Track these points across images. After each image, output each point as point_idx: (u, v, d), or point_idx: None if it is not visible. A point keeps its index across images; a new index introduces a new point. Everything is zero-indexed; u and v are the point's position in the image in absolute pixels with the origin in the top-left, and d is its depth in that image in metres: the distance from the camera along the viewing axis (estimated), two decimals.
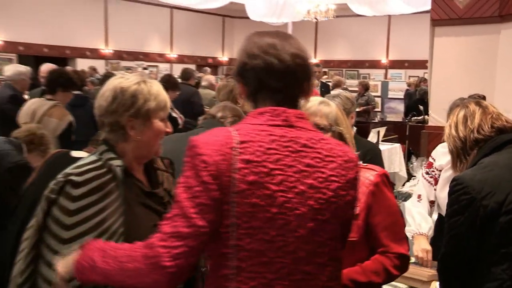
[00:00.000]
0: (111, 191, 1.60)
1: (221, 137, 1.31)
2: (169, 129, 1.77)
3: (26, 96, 5.56)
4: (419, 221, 2.76)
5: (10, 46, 13.05)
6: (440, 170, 2.89)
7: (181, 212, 1.27)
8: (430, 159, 3.02)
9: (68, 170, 1.62)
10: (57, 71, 4.96)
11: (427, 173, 3.00)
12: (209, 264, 1.37)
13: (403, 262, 1.79)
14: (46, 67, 6.04)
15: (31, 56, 13.01)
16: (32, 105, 4.57)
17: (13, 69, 5.55)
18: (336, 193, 1.37)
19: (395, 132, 8.53)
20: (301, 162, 1.33)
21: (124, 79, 1.70)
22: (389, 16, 15.44)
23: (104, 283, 1.39)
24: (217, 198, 1.27)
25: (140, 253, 1.29)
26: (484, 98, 3.45)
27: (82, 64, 12.97)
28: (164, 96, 1.74)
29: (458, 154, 1.96)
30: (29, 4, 13.06)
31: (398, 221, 1.87)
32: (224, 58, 19.23)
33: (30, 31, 13.20)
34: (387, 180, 1.90)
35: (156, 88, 1.73)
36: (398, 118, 10.29)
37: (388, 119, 10.46)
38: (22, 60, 12.12)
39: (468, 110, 1.96)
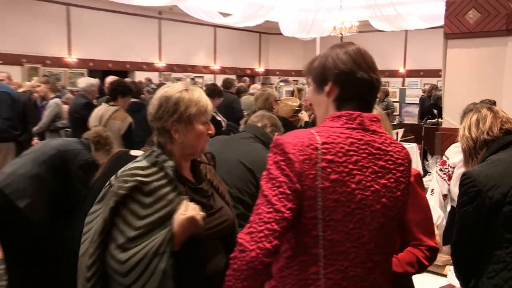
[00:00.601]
0: (170, 189, 1.62)
1: (305, 139, 1.26)
2: (211, 131, 1.74)
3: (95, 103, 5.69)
4: None
5: (82, 62, 13.37)
6: (454, 167, 2.84)
7: (264, 200, 1.23)
8: (444, 158, 2.96)
9: (135, 171, 1.62)
10: (116, 81, 5.05)
11: (440, 170, 2.95)
12: (287, 250, 1.32)
13: (433, 254, 1.76)
14: (110, 79, 6.15)
15: (98, 70, 13.29)
16: (99, 111, 4.70)
17: (85, 81, 5.68)
18: (403, 193, 1.36)
19: (412, 133, 8.37)
20: (376, 164, 1.31)
21: (170, 88, 1.69)
22: (406, 31, 15.17)
23: None
24: (298, 191, 1.22)
25: (231, 257, 1.25)
26: (494, 102, 3.37)
27: (140, 76, 13.22)
28: (205, 102, 1.70)
29: (470, 153, 1.94)
30: (97, 28, 13.37)
31: (428, 216, 1.83)
32: (260, 69, 19.23)
33: (98, 49, 13.52)
34: (419, 180, 1.86)
35: (197, 94, 1.69)
36: (415, 121, 10.10)
37: (405, 122, 10.28)
38: (91, 73, 12.42)
39: (481, 114, 1.95)
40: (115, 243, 1.56)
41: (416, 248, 1.74)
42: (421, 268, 1.74)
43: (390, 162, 1.33)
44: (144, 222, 1.56)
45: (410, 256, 1.72)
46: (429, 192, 2.96)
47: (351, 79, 1.33)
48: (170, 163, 1.65)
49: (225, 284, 1.24)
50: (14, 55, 11.84)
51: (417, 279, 1.89)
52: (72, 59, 13.17)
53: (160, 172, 1.63)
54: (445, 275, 2.37)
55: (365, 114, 1.33)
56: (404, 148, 1.42)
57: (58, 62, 12.88)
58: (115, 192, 1.58)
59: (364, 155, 1.29)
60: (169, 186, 1.62)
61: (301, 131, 1.32)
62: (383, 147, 1.34)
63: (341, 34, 12.93)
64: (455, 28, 4.27)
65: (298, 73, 18.55)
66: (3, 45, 11.53)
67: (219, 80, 10.40)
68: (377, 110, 1.91)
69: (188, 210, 1.57)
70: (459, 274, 1.83)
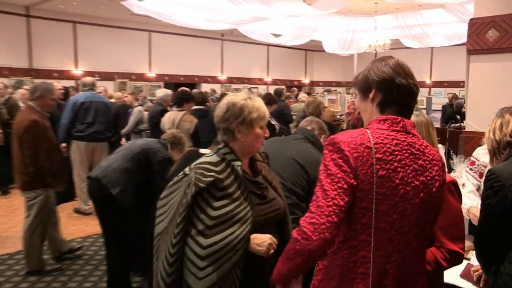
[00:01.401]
0: (236, 187, 1.62)
1: (358, 139, 1.24)
2: (267, 134, 1.75)
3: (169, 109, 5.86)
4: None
5: (159, 77, 13.81)
6: (485, 166, 2.72)
7: (324, 194, 1.19)
8: (472, 158, 2.82)
9: (209, 166, 1.62)
10: (180, 91, 5.15)
11: (470, 169, 2.82)
12: (339, 235, 1.27)
13: (453, 257, 1.58)
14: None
15: (172, 83, 13.63)
16: (171, 115, 4.82)
17: (162, 92, 5.85)
18: (438, 189, 1.32)
19: (437, 135, 8.05)
20: (416, 163, 1.28)
21: (235, 96, 1.70)
22: (432, 47, 14.61)
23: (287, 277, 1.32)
24: (353, 185, 1.20)
25: (293, 238, 1.22)
26: None
27: (205, 87, 13.44)
28: (264, 109, 1.71)
29: (495, 153, 1.89)
30: (171, 49, 13.80)
31: (456, 223, 1.64)
32: (306, 80, 19.07)
33: (172, 66, 13.93)
34: (453, 188, 1.68)
35: (258, 103, 1.70)
36: (438, 125, 9.72)
37: None
38: (166, 86, 12.69)
39: (504, 119, 1.90)
40: (195, 228, 1.56)
41: (438, 249, 1.59)
42: (439, 268, 1.58)
43: (427, 162, 1.30)
44: (217, 213, 1.55)
45: (429, 255, 1.57)
46: (460, 186, 2.83)
47: (391, 86, 1.30)
48: (238, 162, 1.65)
49: (285, 254, 1.25)
50: (109, 73, 12.46)
51: None
52: (151, 74, 13.64)
53: (227, 168, 1.63)
54: (468, 259, 2.28)
55: (406, 120, 1.31)
56: (437, 152, 1.37)
57: (141, 77, 13.38)
58: (194, 182, 1.56)
59: (407, 154, 1.27)
60: (236, 183, 1.62)
61: (354, 131, 1.29)
62: (421, 149, 1.31)
63: (376, 51, 12.62)
64: (477, 45, 4.09)
65: (338, 84, 18.30)
66: (100, 65, 12.24)
67: (271, 90, 10.44)
68: (421, 117, 1.85)
69: (272, 245, 1.61)
70: (481, 259, 1.76)
